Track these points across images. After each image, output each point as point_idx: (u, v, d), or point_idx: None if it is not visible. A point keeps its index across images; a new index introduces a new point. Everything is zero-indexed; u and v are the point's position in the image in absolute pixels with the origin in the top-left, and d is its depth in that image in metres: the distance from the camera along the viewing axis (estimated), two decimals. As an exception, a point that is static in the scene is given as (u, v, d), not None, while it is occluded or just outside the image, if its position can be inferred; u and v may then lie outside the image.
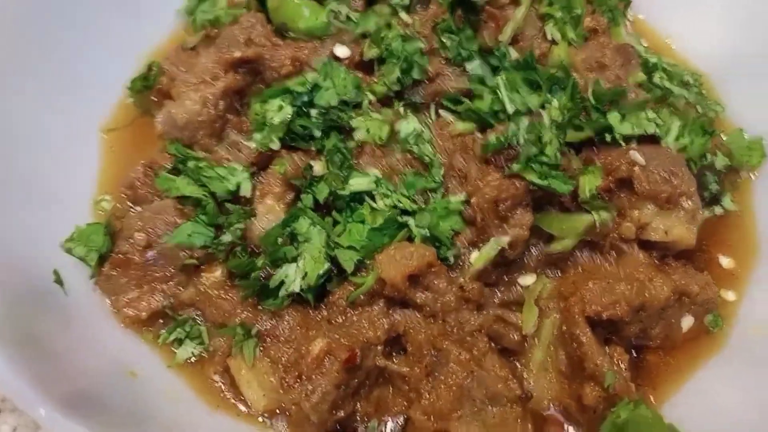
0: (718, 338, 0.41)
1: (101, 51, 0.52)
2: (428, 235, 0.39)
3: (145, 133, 0.50)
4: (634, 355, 0.40)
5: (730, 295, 0.43)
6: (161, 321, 0.42)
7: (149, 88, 0.52)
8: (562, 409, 0.38)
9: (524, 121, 0.40)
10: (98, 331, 0.41)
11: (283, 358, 0.37)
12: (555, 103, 0.40)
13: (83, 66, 0.50)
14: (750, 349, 0.40)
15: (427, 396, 0.36)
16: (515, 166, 0.39)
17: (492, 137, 0.41)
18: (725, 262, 0.45)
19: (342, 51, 0.48)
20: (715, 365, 0.40)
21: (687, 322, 0.40)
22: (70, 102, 0.49)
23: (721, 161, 0.47)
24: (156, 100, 0.52)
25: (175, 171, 0.44)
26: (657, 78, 0.49)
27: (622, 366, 0.37)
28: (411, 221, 0.39)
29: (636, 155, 0.39)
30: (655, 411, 0.35)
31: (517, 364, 0.39)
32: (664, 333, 0.39)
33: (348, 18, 0.50)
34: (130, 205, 0.45)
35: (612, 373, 0.35)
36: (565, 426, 0.37)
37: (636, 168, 0.39)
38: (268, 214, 0.41)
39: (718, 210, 0.47)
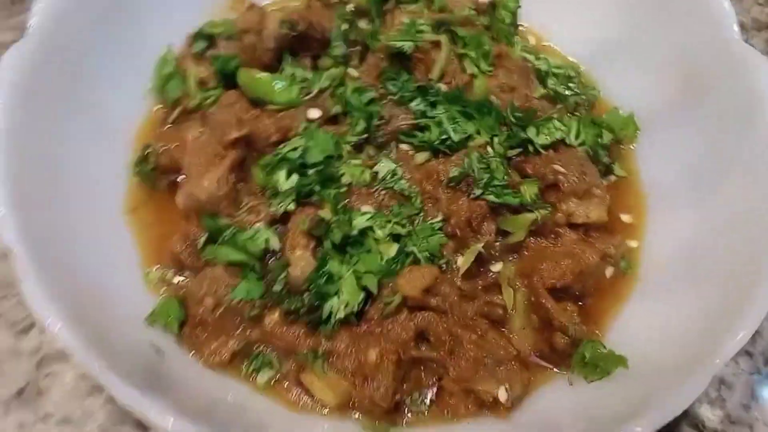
0: (630, 278, 0.55)
1: (103, 148, 0.59)
2: (428, 255, 0.52)
3: (162, 208, 0.59)
4: (580, 305, 0.56)
5: (633, 243, 0.57)
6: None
7: (152, 169, 0.60)
8: (539, 354, 0.53)
9: (474, 154, 0.53)
10: (193, 375, 0.52)
11: (349, 367, 0.50)
12: (488, 134, 0.54)
13: (94, 167, 0.58)
14: (654, 281, 0.56)
15: (452, 369, 0.50)
16: (477, 191, 0.52)
17: (454, 171, 0.53)
18: (625, 218, 0.58)
19: (313, 113, 0.57)
20: (633, 299, 0.55)
21: (609, 271, 0.55)
22: (94, 193, 0.57)
23: (606, 137, 0.60)
24: (158, 176, 0.61)
25: (210, 239, 0.54)
26: (551, 83, 0.62)
27: (577, 318, 0.53)
28: (414, 249, 0.52)
29: (557, 167, 0.53)
30: (610, 350, 0.50)
31: (505, 330, 0.54)
32: (596, 284, 0.55)
33: (305, 78, 0.61)
34: (177, 273, 0.56)
35: (572, 324, 0.51)
36: (543, 363, 0.53)
37: (560, 176, 0.53)
38: (301, 262, 0.52)
39: (612, 178, 0.60)
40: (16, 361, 0.63)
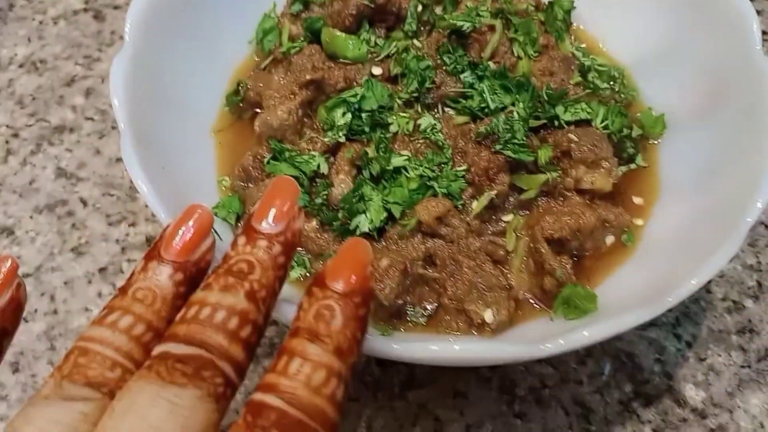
0: (630, 249, 0.61)
1: (205, 77, 0.72)
2: (446, 192, 0.61)
3: (241, 133, 0.70)
4: (576, 261, 0.63)
5: (639, 222, 0.62)
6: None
7: (240, 100, 0.73)
8: (531, 294, 0.61)
9: (501, 116, 0.62)
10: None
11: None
12: (521, 104, 0.63)
13: (194, 89, 0.71)
14: (650, 255, 0.62)
15: (450, 289, 0.59)
16: (497, 146, 0.61)
17: (482, 128, 0.62)
18: (637, 200, 0.63)
19: (377, 70, 0.67)
20: (628, 265, 0.61)
21: (609, 239, 0.61)
22: (189, 112, 0.70)
23: (636, 132, 0.67)
24: (245, 107, 0.73)
25: (274, 159, 0.66)
26: (590, 77, 0.70)
27: (567, 266, 0.60)
28: (435, 184, 0.61)
29: (572, 136, 0.61)
30: (587, 289, 0.58)
31: (503, 269, 0.62)
32: (595, 246, 0.61)
33: (376, 43, 0.71)
34: (243, 184, 0.67)
35: (560, 269, 0.58)
36: (533, 301, 0.60)
37: (572, 144, 0.61)
38: (342, 185, 0.62)
39: (633, 166, 0.65)
40: (105, 244, 0.77)
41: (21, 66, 0.92)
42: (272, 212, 0.33)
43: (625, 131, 0.67)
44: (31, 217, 0.79)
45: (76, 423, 0.27)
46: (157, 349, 0.29)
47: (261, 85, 0.71)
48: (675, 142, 0.69)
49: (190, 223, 0.34)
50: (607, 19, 0.76)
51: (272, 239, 0.32)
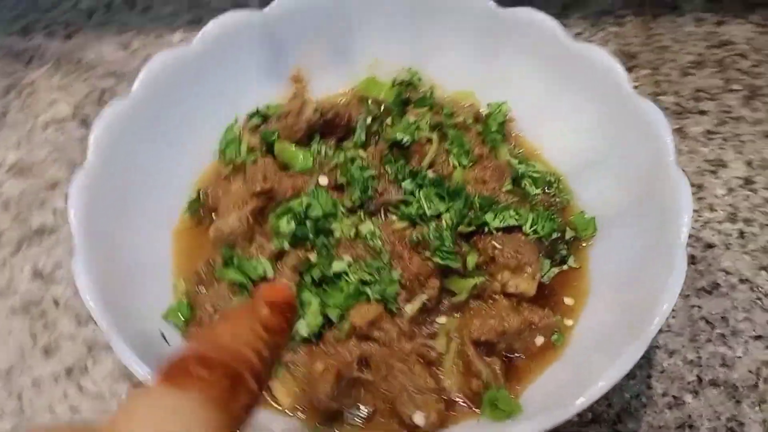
0: (559, 349, 0.64)
1: (173, 182, 0.77)
2: (380, 297, 0.64)
3: (199, 237, 0.76)
4: (507, 361, 0.65)
5: (569, 322, 0.65)
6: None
7: (200, 207, 0.78)
8: (462, 395, 0.64)
9: (432, 225, 0.67)
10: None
11: (299, 376, 0.63)
12: (449, 213, 0.67)
13: (159, 195, 0.76)
14: (577, 355, 0.65)
15: (383, 392, 0.62)
16: (427, 253, 0.65)
17: (414, 235, 0.67)
18: (568, 301, 0.66)
19: (323, 180, 0.72)
20: (557, 365, 0.64)
21: (539, 340, 0.64)
22: (153, 218, 0.75)
23: (569, 234, 0.72)
24: (204, 214, 0.78)
25: (225, 264, 0.70)
26: (523, 183, 0.76)
27: (496, 367, 0.63)
28: (368, 289, 0.65)
29: (495, 243, 0.65)
30: (507, 393, 0.59)
31: (436, 370, 0.65)
32: (524, 347, 0.64)
33: (326, 154, 0.77)
34: (197, 286, 0.72)
35: (486, 371, 0.61)
36: (464, 402, 0.63)
37: (497, 250, 0.65)
38: (284, 290, 0.67)
39: (565, 267, 0.69)
40: (72, 344, 0.81)
41: (9, 170, 0.99)
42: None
43: (557, 234, 0.71)
44: (6, 318, 0.83)
45: None
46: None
47: (220, 192, 0.77)
48: (604, 243, 0.73)
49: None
50: (546, 130, 0.81)
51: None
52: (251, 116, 0.81)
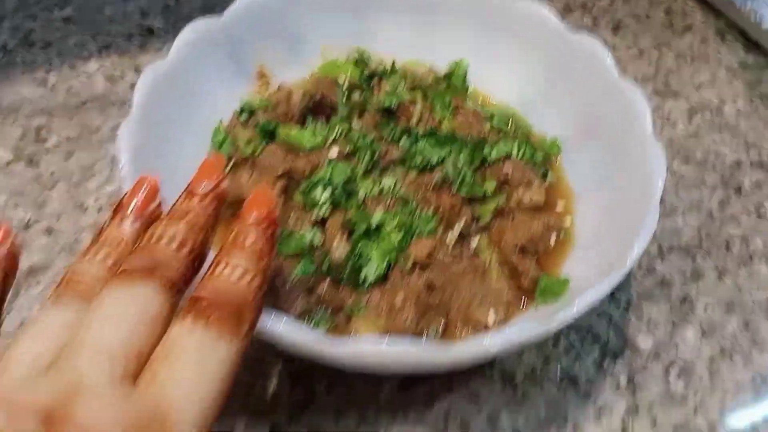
0: (568, 243, 0.77)
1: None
2: (426, 233, 0.75)
3: (224, 229, 0.81)
4: (536, 260, 0.78)
5: (567, 222, 0.82)
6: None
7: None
8: (512, 295, 0.76)
9: (450, 165, 0.78)
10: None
11: (383, 309, 0.72)
12: (461, 154, 0.79)
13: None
14: (584, 244, 0.79)
15: (454, 306, 0.73)
16: (453, 189, 0.77)
17: (437, 177, 0.78)
18: (559, 206, 0.82)
19: (334, 152, 0.81)
20: (571, 255, 0.78)
21: (553, 239, 0.79)
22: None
23: (539, 155, 0.87)
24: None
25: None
26: (494, 122, 0.89)
27: (534, 265, 0.76)
28: (416, 229, 0.75)
29: (506, 167, 0.78)
30: (558, 277, 0.73)
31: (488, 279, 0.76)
32: (545, 246, 0.77)
33: (329, 130, 0.85)
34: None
35: (532, 266, 0.73)
36: (516, 301, 0.75)
37: (509, 173, 0.78)
38: (339, 248, 0.75)
39: (548, 181, 0.87)
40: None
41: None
42: (204, 183, 0.44)
43: (536, 156, 0.85)
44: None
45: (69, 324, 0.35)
46: (121, 267, 0.38)
47: (234, 186, 0.82)
48: (569, 158, 0.88)
49: (142, 190, 0.44)
50: (494, 76, 0.95)
51: (204, 197, 0.43)
52: (240, 112, 0.87)
